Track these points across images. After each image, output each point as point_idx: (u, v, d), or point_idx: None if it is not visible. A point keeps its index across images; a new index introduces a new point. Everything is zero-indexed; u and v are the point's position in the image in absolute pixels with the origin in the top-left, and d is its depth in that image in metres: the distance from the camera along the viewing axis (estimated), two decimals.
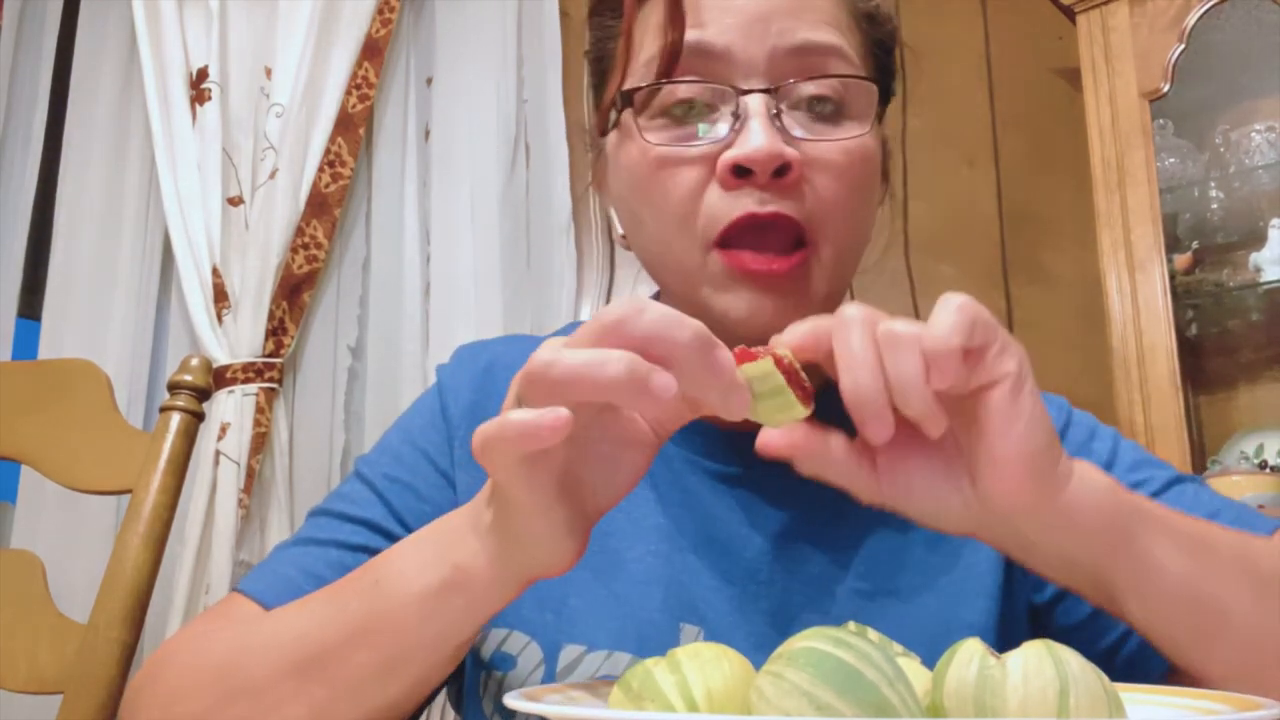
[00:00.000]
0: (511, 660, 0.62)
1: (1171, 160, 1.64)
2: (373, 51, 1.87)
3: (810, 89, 0.60)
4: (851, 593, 0.63)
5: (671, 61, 0.60)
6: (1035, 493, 0.45)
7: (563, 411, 0.39)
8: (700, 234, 0.60)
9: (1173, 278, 1.51)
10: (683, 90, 0.60)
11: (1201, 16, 1.50)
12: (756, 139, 0.57)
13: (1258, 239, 1.58)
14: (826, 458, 0.47)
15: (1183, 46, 1.50)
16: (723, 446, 0.66)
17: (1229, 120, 1.65)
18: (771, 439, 0.46)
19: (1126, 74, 1.53)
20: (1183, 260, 1.60)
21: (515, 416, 0.40)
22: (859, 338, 0.43)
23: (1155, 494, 0.64)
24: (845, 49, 0.61)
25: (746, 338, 0.59)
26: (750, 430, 0.66)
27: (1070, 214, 1.73)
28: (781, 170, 0.58)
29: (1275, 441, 1.54)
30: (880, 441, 0.43)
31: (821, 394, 0.45)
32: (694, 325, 0.41)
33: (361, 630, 0.49)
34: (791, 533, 0.64)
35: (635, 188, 0.63)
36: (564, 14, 1.99)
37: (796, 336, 0.45)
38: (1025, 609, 0.67)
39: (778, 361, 0.42)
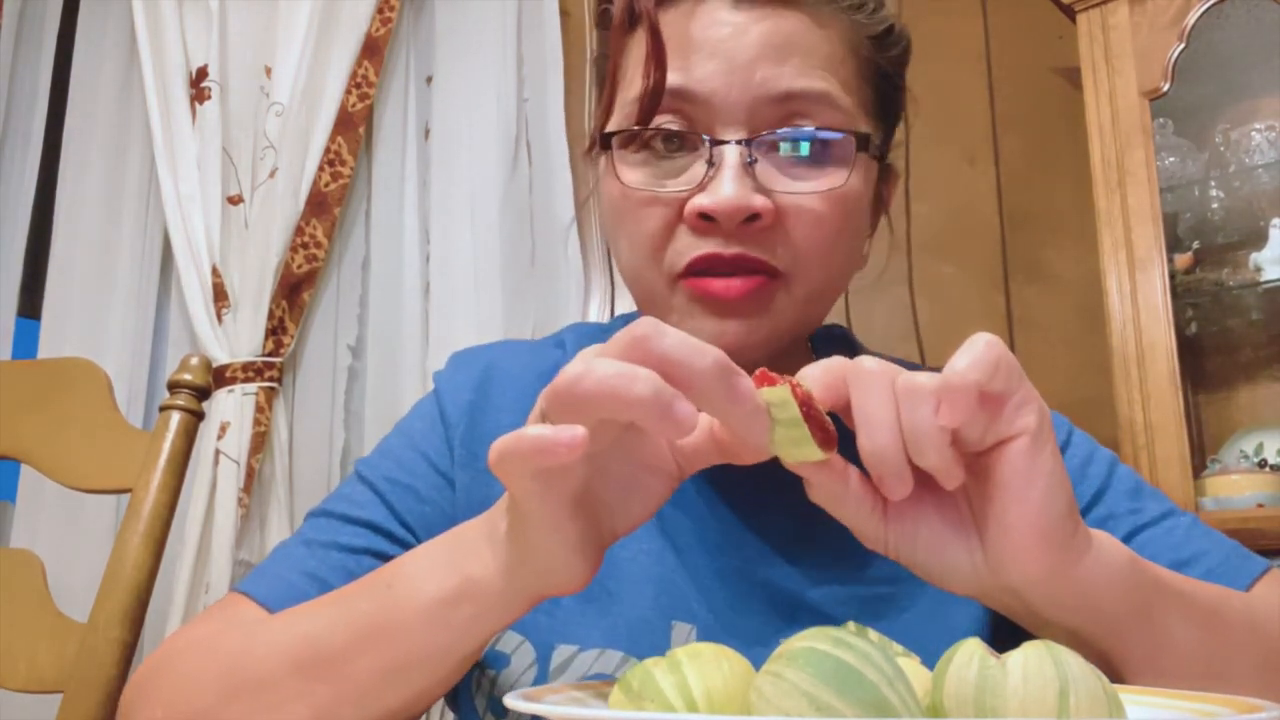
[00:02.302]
0: (505, 659, 0.62)
1: (1171, 160, 1.64)
2: (372, 50, 1.87)
3: (789, 136, 0.59)
4: (846, 593, 0.63)
5: (651, 106, 0.60)
6: (1048, 564, 0.43)
7: (579, 430, 0.38)
8: (666, 268, 0.61)
9: (1173, 277, 1.51)
10: (661, 130, 0.61)
11: (1202, 15, 1.50)
12: (725, 189, 0.57)
13: (1258, 238, 1.58)
14: (843, 494, 0.45)
15: (1183, 45, 1.50)
16: None
17: (1229, 119, 1.65)
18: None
19: (1127, 73, 1.53)
20: (1183, 260, 1.60)
21: (532, 431, 0.39)
22: (877, 393, 0.42)
23: (1147, 525, 0.63)
24: (833, 93, 0.60)
25: None
26: None
27: (1070, 213, 1.73)
28: (751, 219, 0.58)
29: (1275, 440, 1.54)
30: (898, 498, 0.43)
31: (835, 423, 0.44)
32: (715, 352, 0.40)
33: (369, 633, 0.49)
34: (786, 533, 0.65)
35: (613, 217, 0.64)
36: (564, 13, 1.99)
37: (810, 381, 0.43)
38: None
39: (795, 391, 0.41)
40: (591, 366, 0.39)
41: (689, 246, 0.59)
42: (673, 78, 0.60)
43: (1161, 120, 1.62)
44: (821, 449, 0.42)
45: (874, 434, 0.42)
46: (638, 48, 0.62)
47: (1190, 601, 0.48)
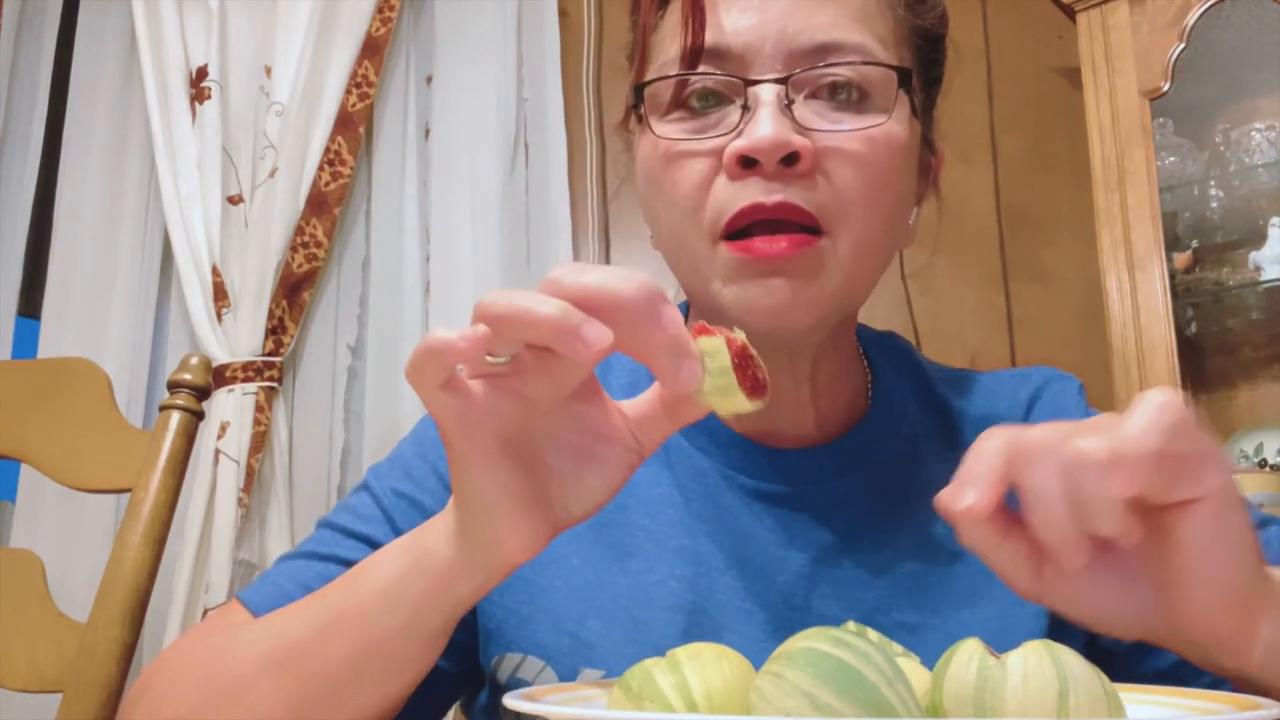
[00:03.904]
0: (527, 686, 0.60)
1: (1171, 159, 1.64)
2: (372, 50, 1.87)
3: (828, 76, 0.57)
4: (893, 622, 0.61)
5: (691, 66, 0.59)
6: (1235, 625, 0.41)
7: (479, 328, 0.38)
8: (708, 226, 0.58)
9: (1172, 276, 1.51)
10: (695, 84, 0.59)
11: (1202, 15, 1.50)
12: (763, 128, 0.55)
13: (1258, 238, 1.58)
14: (997, 544, 0.42)
15: (1183, 45, 1.50)
16: (762, 464, 0.64)
17: (1229, 119, 1.65)
18: (952, 499, 0.41)
19: (1127, 73, 1.53)
20: (1182, 259, 1.60)
21: (434, 333, 0.39)
22: (1044, 467, 0.39)
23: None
24: (868, 44, 0.58)
25: (759, 328, 0.56)
26: (790, 448, 0.65)
27: (1070, 213, 1.73)
28: (790, 159, 0.56)
29: (1275, 440, 1.54)
30: (1074, 568, 0.40)
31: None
32: (641, 279, 0.39)
33: (334, 623, 0.49)
34: (831, 556, 0.62)
35: (649, 181, 0.62)
36: (564, 13, 1.99)
37: (978, 479, 0.40)
38: (1082, 645, 0.63)
39: (730, 343, 0.41)
40: (505, 292, 0.39)
41: (729, 199, 0.57)
42: (707, 37, 0.58)
43: (1161, 120, 1.62)
44: (750, 398, 0.41)
45: (1045, 508, 0.39)
46: (672, 15, 0.61)
47: None
